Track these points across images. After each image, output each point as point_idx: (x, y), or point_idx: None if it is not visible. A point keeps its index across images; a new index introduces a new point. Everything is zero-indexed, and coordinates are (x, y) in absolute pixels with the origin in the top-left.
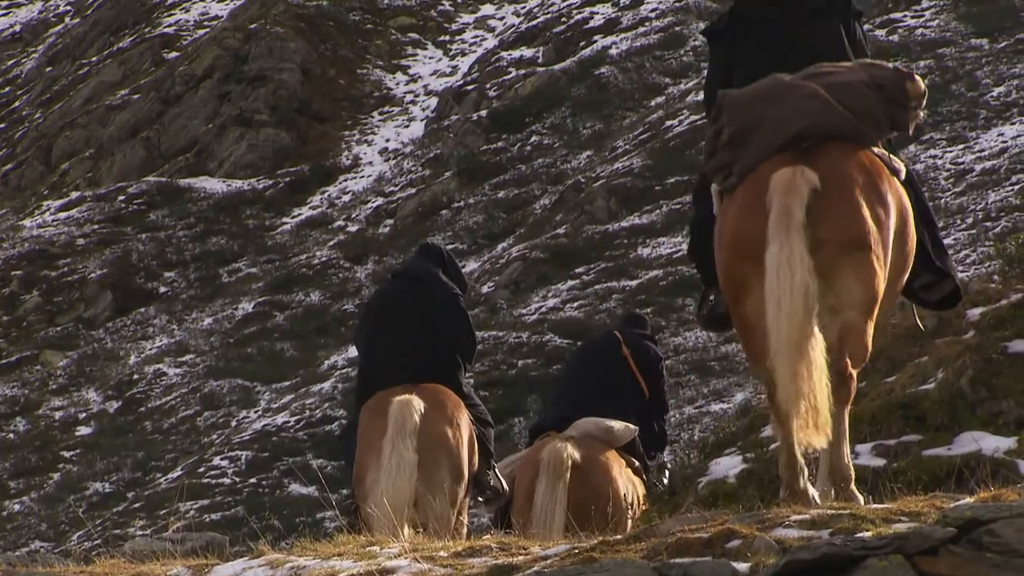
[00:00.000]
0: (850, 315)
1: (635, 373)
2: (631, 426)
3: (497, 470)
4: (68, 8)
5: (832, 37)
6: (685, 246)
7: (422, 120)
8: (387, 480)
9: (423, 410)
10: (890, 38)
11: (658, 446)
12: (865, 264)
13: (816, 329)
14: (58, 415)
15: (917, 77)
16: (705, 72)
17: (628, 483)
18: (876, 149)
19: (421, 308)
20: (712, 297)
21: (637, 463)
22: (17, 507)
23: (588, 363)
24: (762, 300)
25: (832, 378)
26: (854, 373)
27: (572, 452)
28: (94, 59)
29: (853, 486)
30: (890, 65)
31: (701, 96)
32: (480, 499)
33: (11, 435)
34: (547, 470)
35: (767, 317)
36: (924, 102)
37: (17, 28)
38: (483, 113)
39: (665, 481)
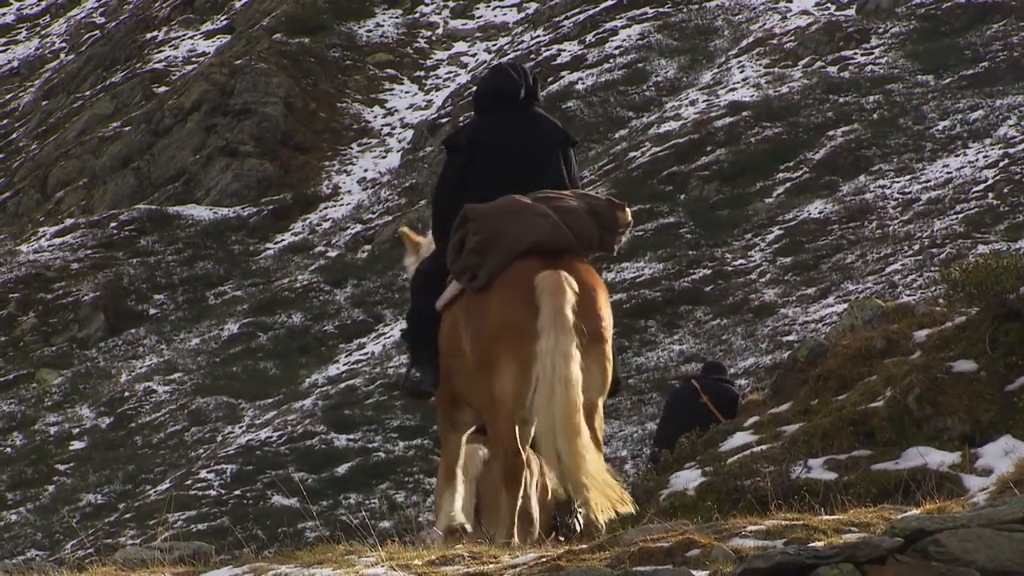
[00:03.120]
0: (593, 396)
1: (717, 415)
2: None
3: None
4: (63, 45)
5: (553, 166)
6: (401, 331)
7: (398, 151)
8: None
9: (486, 459)
10: (841, 75)
11: None
12: (605, 354)
13: (581, 412)
14: (53, 430)
15: (627, 208)
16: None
17: None
18: (589, 263)
19: None
20: (417, 374)
21: None
22: (14, 517)
23: (674, 412)
24: (513, 379)
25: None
26: (601, 445)
27: None
28: (88, 93)
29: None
30: (604, 197)
31: (435, 195)
32: (560, 537)
33: (8, 449)
34: None
35: (539, 400)
36: (630, 230)
37: (15, 64)
38: None
39: None
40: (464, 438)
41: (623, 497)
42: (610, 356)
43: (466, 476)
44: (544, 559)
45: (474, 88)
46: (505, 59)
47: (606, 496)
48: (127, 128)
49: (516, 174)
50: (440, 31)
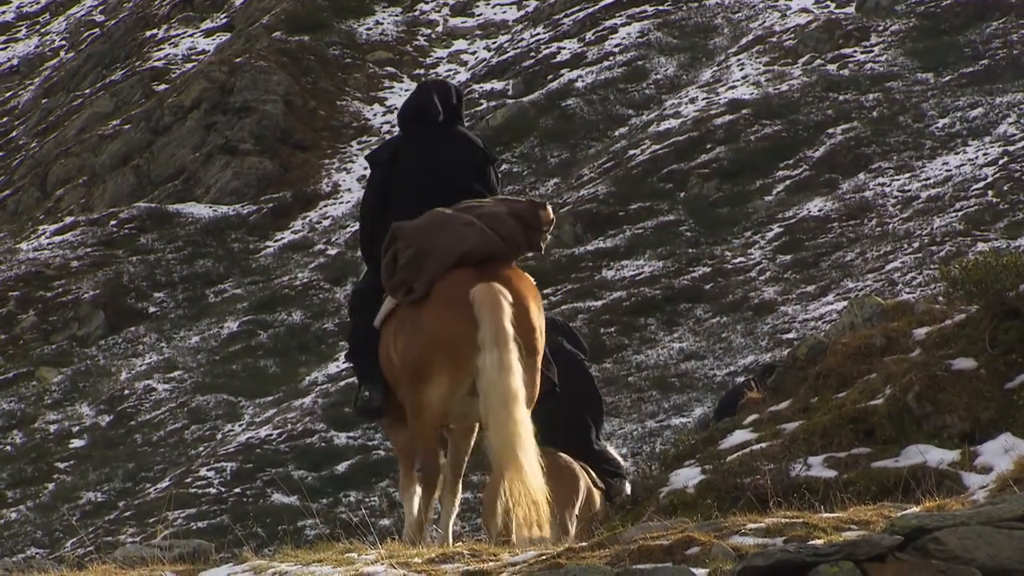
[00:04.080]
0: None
1: None
2: None
3: None
4: (63, 43)
5: (470, 183)
6: (346, 352)
7: None
8: (496, 539)
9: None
10: (841, 72)
11: None
12: (535, 366)
13: (529, 423)
14: (53, 428)
15: (548, 206)
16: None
17: None
18: (516, 266)
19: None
20: (366, 393)
21: None
22: (14, 515)
23: (729, 409)
24: (445, 387)
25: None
26: None
27: None
28: (87, 91)
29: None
30: (523, 199)
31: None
32: None
33: (8, 447)
34: None
35: (490, 412)
36: (553, 226)
37: (15, 61)
38: None
39: None
40: None
41: (542, 521)
42: (540, 367)
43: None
44: (544, 557)
45: (467, 91)
46: (504, 57)
47: (530, 514)
48: (127, 126)
49: (433, 190)
50: (440, 29)
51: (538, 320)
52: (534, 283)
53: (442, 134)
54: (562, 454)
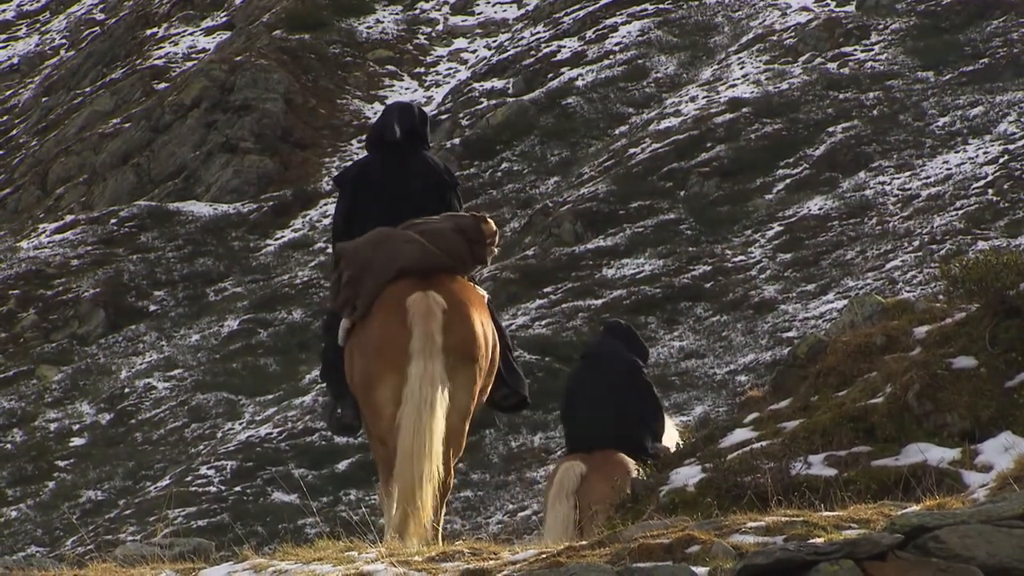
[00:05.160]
0: (455, 419)
1: None
2: None
3: None
4: (63, 41)
5: (428, 204)
6: (319, 371)
7: None
8: (550, 533)
9: (584, 473)
10: (841, 71)
11: None
12: (472, 374)
13: (440, 439)
14: (53, 427)
15: (490, 220)
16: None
17: None
18: (465, 279)
19: (606, 382)
20: (339, 410)
21: None
22: (14, 514)
23: None
24: (394, 390)
25: (441, 473)
26: (452, 468)
27: None
28: (88, 89)
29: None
30: (469, 215)
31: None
32: None
33: (8, 445)
34: None
35: (404, 418)
36: (497, 238)
37: (15, 60)
38: (456, 141)
39: None
40: None
41: (410, 532)
42: (478, 377)
43: (563, 491)
44: (544, 555)
45: (467, 89)
46: (501, 60)
47: (412, 528)
48: (127, 125)
49: (391, 210)
50: (440, 27)
51: (479, 328)
52: (484, 295)
53: (403, 157)
54: (619, 453)
